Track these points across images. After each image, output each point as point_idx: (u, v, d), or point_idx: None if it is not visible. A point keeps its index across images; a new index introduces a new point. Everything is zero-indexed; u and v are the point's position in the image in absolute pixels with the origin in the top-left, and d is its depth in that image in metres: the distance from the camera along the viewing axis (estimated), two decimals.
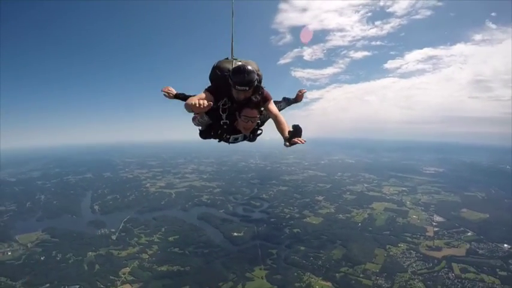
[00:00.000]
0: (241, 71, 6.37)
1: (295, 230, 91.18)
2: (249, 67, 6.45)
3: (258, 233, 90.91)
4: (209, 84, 7.39)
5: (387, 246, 77.23)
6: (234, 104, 6.93)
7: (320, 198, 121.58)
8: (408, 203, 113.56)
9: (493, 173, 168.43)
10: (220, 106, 6.98)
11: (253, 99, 6.75)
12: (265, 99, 7.08)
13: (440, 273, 66.09)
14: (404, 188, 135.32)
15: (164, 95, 7.90)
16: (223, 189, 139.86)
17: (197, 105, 5.56)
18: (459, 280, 63.52)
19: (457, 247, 77.10)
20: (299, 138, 6.08)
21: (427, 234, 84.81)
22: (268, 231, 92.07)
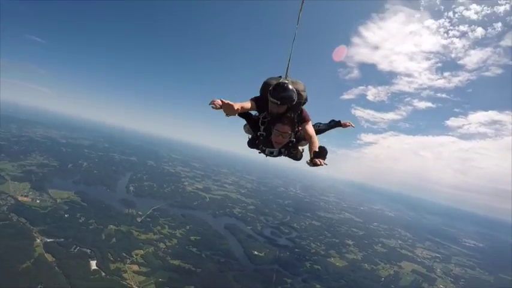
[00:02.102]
0: (280, 86, 6.89)
1: (316, 266, 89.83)
2: (290, 86, 6.94)
3: (279, 258, 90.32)
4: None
5: None
6: (271, 118, 7.39)
7: (350, 242, 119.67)
8: (438, 270, 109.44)
9: None
10: (260, 118, 7.61)
11: (287, 115, 7.14)
12: (303, 120, 7.46)
13: None
14: (438, 255, 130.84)
15: (212, 107, 7.30)
16: (257, 208, 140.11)
17: (218, 102, 6.45)
18: None
19: None
20: (321, 160, 6.16)
21: None
22: (290, 259, 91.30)
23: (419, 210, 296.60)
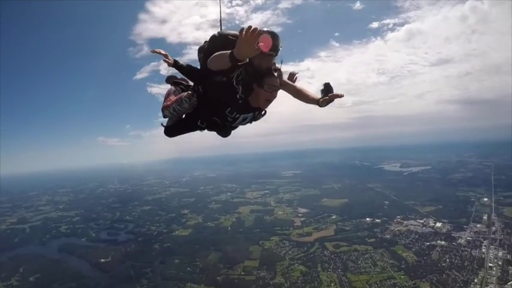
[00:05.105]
0: (276, 34, 5.52)
1: (165, 245, 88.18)
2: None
3: (127, 254, 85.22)
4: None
5: (260, 242, 79.00)
6: (252, 75, 5.80)
7: (186, 211, 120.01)
8: (272, 202, 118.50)
9: (345, 168, 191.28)
10: (234, 76, 5.66)
11: (276, 67, 6.14)
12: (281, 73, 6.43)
13: (316, 254, 70.28)
14: (266, 191, 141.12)
15: (164, 60, 6.43)
16: (83, 217, 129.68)
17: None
18: (335, 255, 68.54)
19: (325, 229, 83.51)
20: (335, 93, 5.76)
21: (295, 224, 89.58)
22: (138, 250, 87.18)
23: (237, 164, 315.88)
